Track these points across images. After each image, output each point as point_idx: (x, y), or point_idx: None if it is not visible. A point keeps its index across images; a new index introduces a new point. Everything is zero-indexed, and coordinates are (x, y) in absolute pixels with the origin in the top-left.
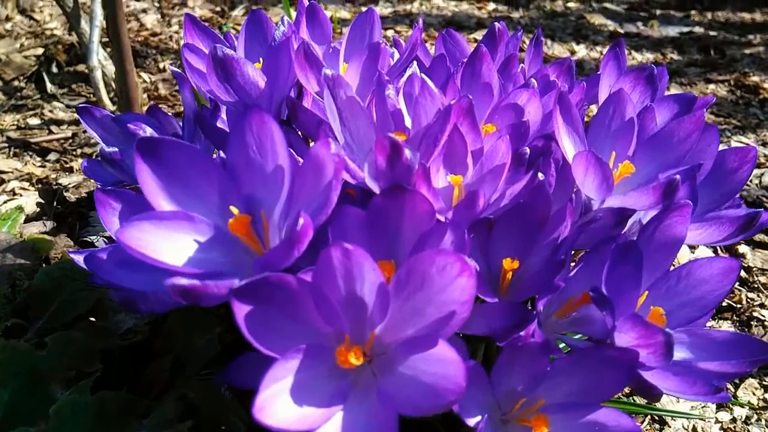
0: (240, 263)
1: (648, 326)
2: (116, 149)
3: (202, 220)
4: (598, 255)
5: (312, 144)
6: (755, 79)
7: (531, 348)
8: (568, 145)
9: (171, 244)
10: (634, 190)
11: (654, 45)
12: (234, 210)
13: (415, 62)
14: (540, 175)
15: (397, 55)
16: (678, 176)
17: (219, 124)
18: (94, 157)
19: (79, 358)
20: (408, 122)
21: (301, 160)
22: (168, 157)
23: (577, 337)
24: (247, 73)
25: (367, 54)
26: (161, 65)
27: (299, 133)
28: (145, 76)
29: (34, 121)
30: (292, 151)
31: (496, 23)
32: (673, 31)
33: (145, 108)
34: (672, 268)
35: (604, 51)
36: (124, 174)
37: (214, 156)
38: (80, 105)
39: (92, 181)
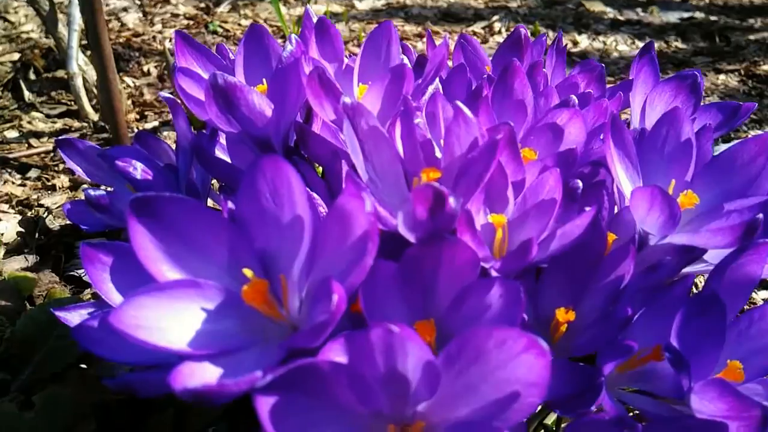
0: (256, 331)
1: (740, 398)
2: (103, 192)
3: (210, 285)
4: (663, 300)
5: (324, 174)
6: (765, 68)
7: (602, 425)
8: (623, 178)
9: (176, 320)
10: (705, 228)
11: (656, 32)
12: (248, 273)
13: (437, 80)
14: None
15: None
16: (761, 215)
17: (218, 151)
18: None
19: (71, 418)
20: (437, 151)
21: (316, 196)
22: (167, 215)
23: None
24: (253, 102)
25: (390, 77)
26: (145, 68)
27: (307, 158)
28: (128, 80)
29: (12, 134)
30: (314, 194)
31: (521, 28)
32: (673, 16)
33: (130, 114)
34: None
35: (607, 41)
36: (114, 218)
37: (211, 199)
38: (60, 139)
39: (78, 199)
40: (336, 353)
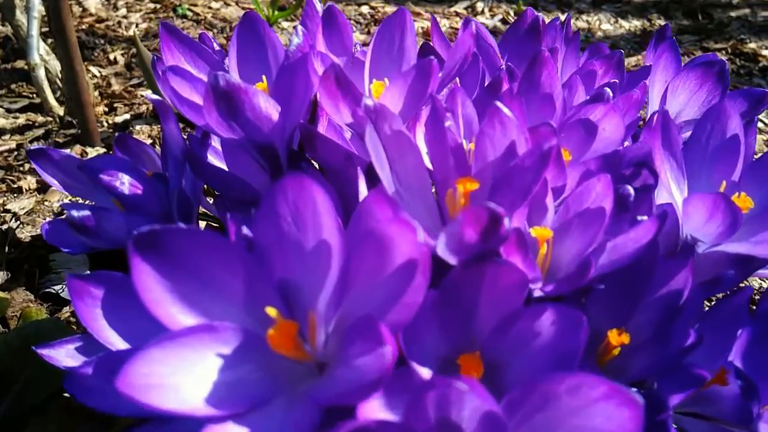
0: (280, 375)
1: None
2: (87, 212)
3: (228, 327)
4: (720, 314)
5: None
6: (752, 46)
7: None
8: (673, 184)
9: (191, 374)
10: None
11: (638, 10)
12: (272, 312)
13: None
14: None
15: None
16: None
17: (210, 156)
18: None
19: None
20: (469, 158)
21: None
22: (176, 250)
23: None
24: (259, 105)
25: (415, 74)
26: (111, 56)
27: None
28: (94, 70)
29: None
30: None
31: (536, 13)
32: None
33: (98, 107)
34: None
35: (590, 20)
36: (100, 241)
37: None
38: (32, 149)
39: (47, 203)
40: (381, 410)
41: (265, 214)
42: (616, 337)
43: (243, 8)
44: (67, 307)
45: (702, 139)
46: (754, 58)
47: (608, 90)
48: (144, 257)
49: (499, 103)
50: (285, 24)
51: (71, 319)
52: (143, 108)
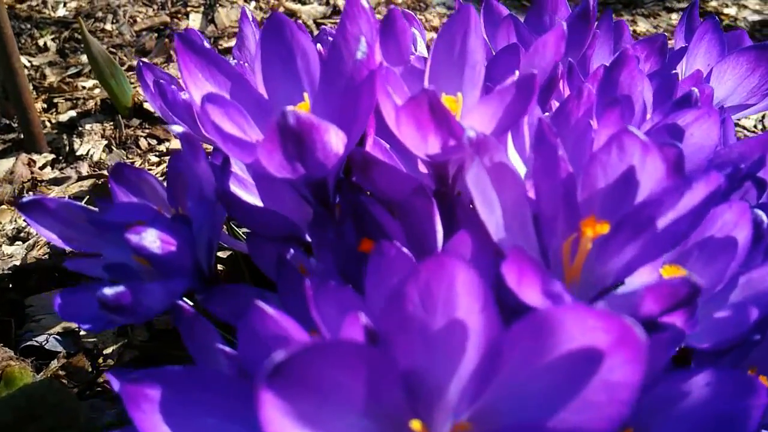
0: None
1: None
2: (123, 290)
3: None
4: None
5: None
6: (713, 4)
7: None
8: None
9: None
10: None
11: None
12: (416, 426)
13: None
14: None
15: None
16: None
17: (234, 187)
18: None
19: None
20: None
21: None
22: (306, 370)
23: None
24: (330, 142)
25: (514, 93)
26: (41, 42)
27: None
28: (24, 60)
29: None
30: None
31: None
32: None
33: (36, 103)
34: None
35: None
36: (134, 317)
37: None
38: (24, 201)
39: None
40: None
41: (394, 305)
42: None
43: None
44: (55, 361)
45: None
46: (717, 17)
47: (695, 90)
48: (272, 388)
49: (633, 129)
50: None
51: (60, 372)
52: (90, 103)
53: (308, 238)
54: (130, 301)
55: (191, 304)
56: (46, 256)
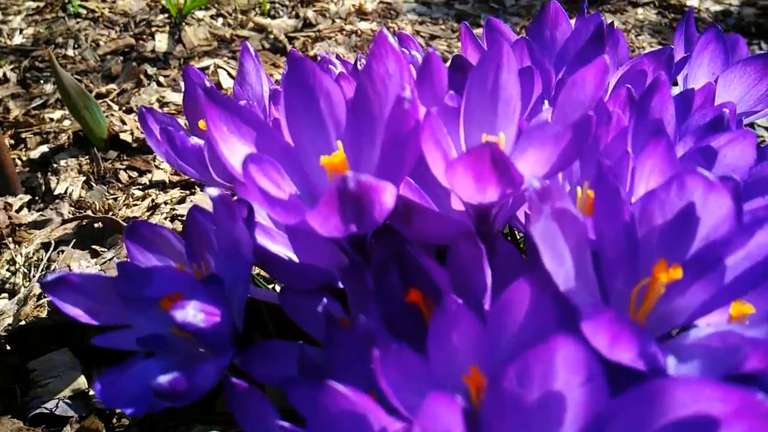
0: None
1: None
2: (178, 375)
3: None
4: None
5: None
6: None
7: None
8: None
9: None
10: None
11: None
12: None
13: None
14: None
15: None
16: None
17: (261, 238)
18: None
19: None
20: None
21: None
22: None
23: None
24: (386, 201)
25: (572, 134)
26: (0, 73)
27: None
28: None
29: None
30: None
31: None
32: None
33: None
34: None
35: None
36: (186, 399)
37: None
38: (48, 280)
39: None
40: None
41: (500, 395)
42: None
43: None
44: (68, 427)
45: None
46: (680, 10)
47: (726, 113)
48: None
49: (703, 171)
50: (200, 14)
51: None
52: (62, 137)
53: (340, 285)
54: (185, 387)
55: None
56: (37, 309)
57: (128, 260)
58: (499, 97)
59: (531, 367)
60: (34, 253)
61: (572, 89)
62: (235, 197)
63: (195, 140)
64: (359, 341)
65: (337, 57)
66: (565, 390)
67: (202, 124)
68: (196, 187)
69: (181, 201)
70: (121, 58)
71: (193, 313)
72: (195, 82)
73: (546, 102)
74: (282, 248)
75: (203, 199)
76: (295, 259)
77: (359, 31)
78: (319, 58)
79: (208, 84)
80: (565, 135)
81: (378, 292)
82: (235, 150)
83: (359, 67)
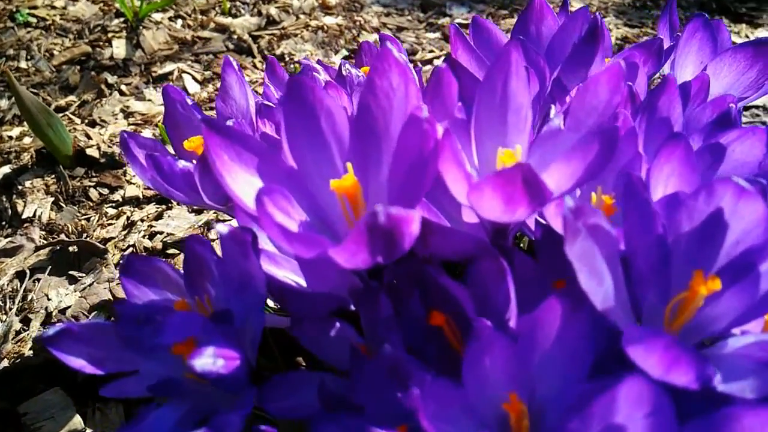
0: None
1: None
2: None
3: None
4: None
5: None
6: None
7: None
8: None
9: None
10: None
11: None
12: None
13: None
14: None
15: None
16: None
17: (267, 265)
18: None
19: None
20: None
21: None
22: None
23: None
24: (414, 230)
25: (598, 147)
26: None
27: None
28: None
29: None
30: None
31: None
32: None
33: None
34: None
35: None
36: None
37: None
38: (49, 334)
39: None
40: None
41: None
42: None
43: (95, 1)
44: None
45: None
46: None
47: (733, 108)
48: None
49: (737, 179)
50: (157, 16)
51: None
52: (25, 157)
53: (352, 307)
54: None
55: None
56: (19, 345)
57: (125, 298)
58: (509, 107)
59: (594, 413)
60: (8, 284)
61: (585, 94)
62: (234, 221)
63: (183, 164)
64: (385, 371)
65: (319, 62)
66: (628, 423)
67: (187, 144)
68: (171, 201)
69: (158, 217)
70: (78, 67)
71: (212, 360)
72: (175, 100)
73: (552, 107)
74: (288, 273)
75: (181, 213)
76: (303, 283)
77: (325, 27)
78: (300, 65)
79: (189, 102)
80: (591, 148)
81: (399, 317)
82: (237, 179)
83: (344, 73)
